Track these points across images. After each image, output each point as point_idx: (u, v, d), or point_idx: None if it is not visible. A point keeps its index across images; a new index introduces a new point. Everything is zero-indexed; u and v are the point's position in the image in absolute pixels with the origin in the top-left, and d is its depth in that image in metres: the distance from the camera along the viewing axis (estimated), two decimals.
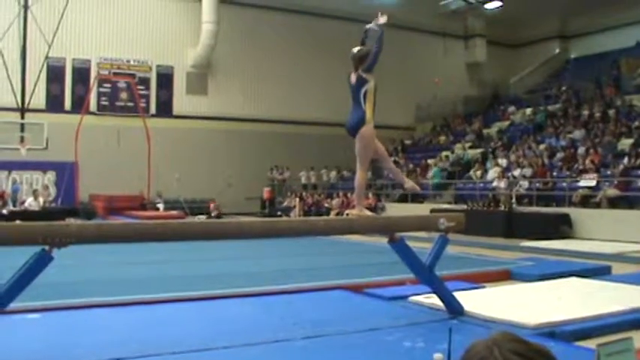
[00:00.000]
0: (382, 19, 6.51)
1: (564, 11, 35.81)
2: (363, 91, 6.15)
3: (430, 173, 26.50)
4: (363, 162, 6.31)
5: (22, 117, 27.23)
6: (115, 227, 5.44)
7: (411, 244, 6.80)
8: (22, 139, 25.44)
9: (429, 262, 6.67)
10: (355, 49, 6.42)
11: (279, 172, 31.31)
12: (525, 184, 20.46)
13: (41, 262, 4.73)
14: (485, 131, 29.58)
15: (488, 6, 35.33)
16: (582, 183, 19.01)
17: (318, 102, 33.36)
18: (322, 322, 6.65)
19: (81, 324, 6.47)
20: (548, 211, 18.76)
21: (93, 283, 9.08)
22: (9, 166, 25.49)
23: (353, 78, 6.32)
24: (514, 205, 19.41)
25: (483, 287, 9.08)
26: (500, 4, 34.65)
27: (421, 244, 9.67)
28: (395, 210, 23.34)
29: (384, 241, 6.99)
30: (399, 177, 6.83)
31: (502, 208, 19.61)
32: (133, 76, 30.04)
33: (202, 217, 22.13)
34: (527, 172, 21.11)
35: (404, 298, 7.88)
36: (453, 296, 6.90)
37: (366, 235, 12.63)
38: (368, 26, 6.64)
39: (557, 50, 38.49)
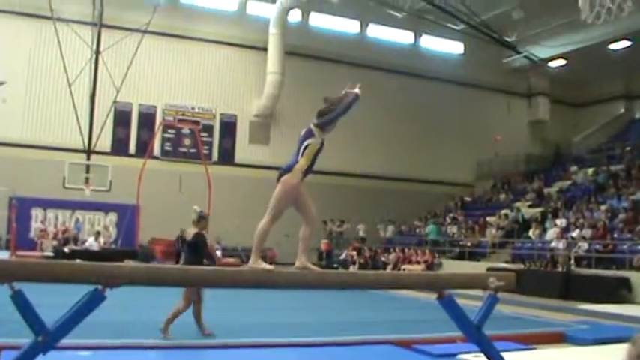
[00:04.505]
0: (357, 89, 6.09)
1: (629, 71, 35.40)
2: (305, 144, 5.80)
3: (427, 229, 27.82)
4: (272, 210, 5.74)
5: (88, 158, 28.00)
6: (166, 271, 5.57)
7: (463, 301, 6.75)
8: (86, 180, 26.05)
9: (477, 321, 6.60)
10: (325, 102, 6.10)
11: (336, 224, 31.31)
12: (585, 245, 20.07)
13: (94, 300, 4.85)
14: (545, 190, 29.19)
15: (552, 64, 35.21)
16: None
17: (377, 156, 33.60)
18: None
19: None
20: (608, 274, 18.28)
21: (143, 325, 9.22)
22: (73, 206, 26.16)
23: (305, 128, 6.00)
24: (572, 267, 19.03)
25: (534, 349, 8.93)
26: (563, 62, 34.50)
27: (475, 302, 9.58)
28: (451, 267, 23.17)
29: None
30: (301, 249, 5.87)
31: (560, 269, 19.25)
32: (197, 123, 30.61)
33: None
34: (587, 233, 20.72)
35: (452, 355, 7.82)
36: (501, 356, 6.80)
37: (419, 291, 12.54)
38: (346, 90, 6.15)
39: (622, 110, 37.94)
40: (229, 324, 9.78)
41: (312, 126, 5.83)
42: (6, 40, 27.48)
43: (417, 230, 29.97)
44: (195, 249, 8.97)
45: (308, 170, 5.72)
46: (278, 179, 5.72)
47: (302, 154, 5.71)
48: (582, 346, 9.41)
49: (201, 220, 9.13)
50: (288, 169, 5.68)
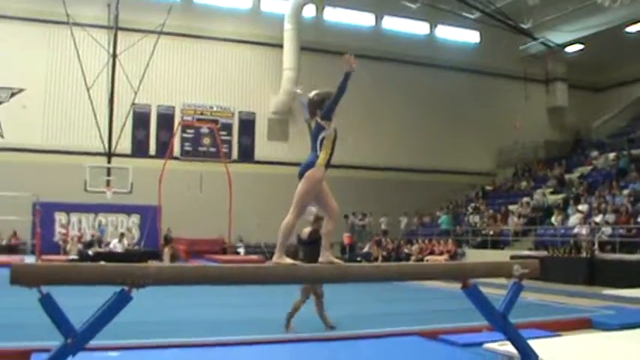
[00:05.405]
0: (352, 64, 5.67)
1: None
2: (320, 137, 5.74)
3: (440, 220, 28.67)
4: (296, 206, 5.71)
5: (109, 161, 28.19)
6: (191, 270, 5.60)
7: (488, 290, 6.74)
8: (108, 183, 26.23)
9: (503, 309, 6.59)
10: (312, 93, 5.96)
11: (358, 217, 31.28)
12: (608, 230, 19.92)
13: (121, 301, 4.90)
14: (567, 176, 29.01)
15: (569, 49, 34.95)
16: None
17: (397, 148, 33.57)
18: None
19: None
20: (632, 258, 18.13)
21: (171, 324, 9.28)
22: (95, 209, 26.36)
23: (312, 123, 5.92)
24: (596, 252, 18.92)
25: (560, 335, 8.89)
26: (581, 47, 34.24)
27: (499, 291, 9.55)
28: (475, 256, 23.10)
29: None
30: (325, 245, 5.82)
31: (583, 254, 19.14)
32: (215, 122, 30.74)
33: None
34: (610, 218, 20.56)
35: (478, 344, 7.80)
36: (528, 344, 6.78)
37: (443, 281, 12.52)
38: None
39: None
40: (255, 319, 9.82)
41: (318, 119, 5.76)
42: (23, 46, 27.75)
43: (439, 221, 29.93)
44: (314, 246, 9.19)
45: (329, 162, 5.71)
46: (300, 176, 5.71)
47: (320, 149, 5.70)
48: (609, 332, 9.36)
49: (318, 219, 9.61)
50: (310, 165, 5.67)
